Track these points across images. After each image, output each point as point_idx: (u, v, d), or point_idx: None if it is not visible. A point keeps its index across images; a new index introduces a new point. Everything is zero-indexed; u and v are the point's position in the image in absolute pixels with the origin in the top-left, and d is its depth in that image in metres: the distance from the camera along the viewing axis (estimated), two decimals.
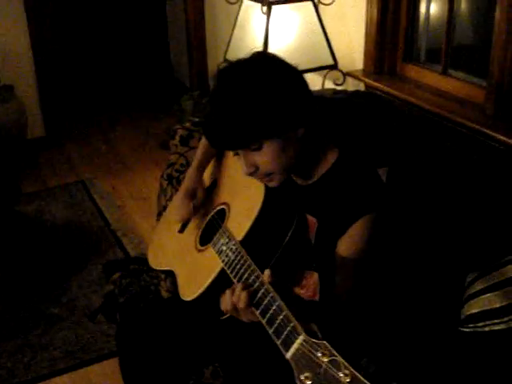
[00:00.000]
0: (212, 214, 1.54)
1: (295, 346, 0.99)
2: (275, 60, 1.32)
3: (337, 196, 1.35)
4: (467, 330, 1.44)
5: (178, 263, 1.54)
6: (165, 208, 1.98)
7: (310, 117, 1.32)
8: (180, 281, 1.49)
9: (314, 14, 2.42)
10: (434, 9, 2.40)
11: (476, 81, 2.19)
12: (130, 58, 5.04)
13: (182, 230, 1.63)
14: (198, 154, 1.65)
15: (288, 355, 0.99)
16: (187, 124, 2.08)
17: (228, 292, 1.22)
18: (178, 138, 2.01)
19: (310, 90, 1.34)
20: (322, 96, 1.94)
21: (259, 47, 2.38)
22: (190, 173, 1.61)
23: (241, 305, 1.16)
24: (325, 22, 2.45)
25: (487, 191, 1.58)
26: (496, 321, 1.39)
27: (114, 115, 4.53)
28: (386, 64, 2.48)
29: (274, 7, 2.34)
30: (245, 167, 1.32)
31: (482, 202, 1.56)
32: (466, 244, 1.53)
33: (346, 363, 0.91)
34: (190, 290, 1.40)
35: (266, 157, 1.29)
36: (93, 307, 2.43)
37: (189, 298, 1.39)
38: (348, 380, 0.89)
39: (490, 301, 1.41)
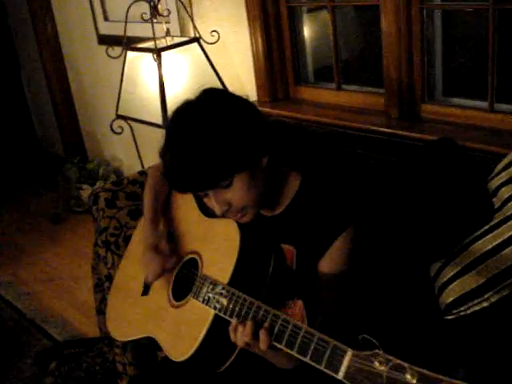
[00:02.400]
0: (180, 266, 1.46)
1: (345, 364, 0.96)
2: (226, 94, 1.33)
3: (310, 219, 1.35)
4: (451, 317, 1.49)
5: (154, 326, 1.44)
6: (108, 277, 1.85)
7: (270, 143, 1.32)
8: (164, 344, 1.39)
9: (202, 54, 2.44)
10: (315, 30, 2.51)
11: (371, 90, 2.31)
12: None
13: (145, 293, 1.53)
14: (147, 209, 1.57)
15: (340, 376, 0.96)
16: (107, 185, 1.98)
17: (240, 327, 1.16)
18: (102, 201, 1.91)
19: (263, 117, 1.34)
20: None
21: (155, 95, 2.35)
22: (146, 231, 1.53)
23: (263, 347, 1.11)
24: (213, 60, 2.47)
25: (420, 183, 1.66)
26: (477, 300, 1.45)
27: None
28: (279, 91, 2.54)
29: (163, 54, 2.32)
30: (217, 207, 1.29)
31: (423, 195, 1.64)
32: (423, 236, 1.59)
33: (408, 364, 0.89)
34: (181, 349, 1.32)
35: (237, 192, 1.27)
36: None
37: (182, 358, 1.31)
38: (416, 379, 0.88)
39: (466, 283, 1.47)
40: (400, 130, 2.05)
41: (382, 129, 2.07)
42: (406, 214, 1.61)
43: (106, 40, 3.16)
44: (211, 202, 1.30)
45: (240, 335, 1.16)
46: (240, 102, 1.30)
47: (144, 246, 1.51)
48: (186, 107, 1.28)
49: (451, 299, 1.48)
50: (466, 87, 2.16)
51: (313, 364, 1.02)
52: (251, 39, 2.47)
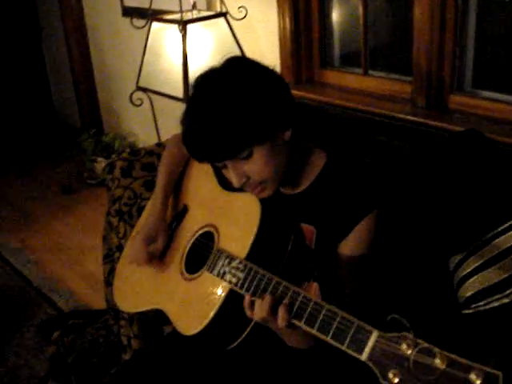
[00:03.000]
0: (195, 238, 1.42)
1: (370, 345, 0.92)
2: (252, 63, 1.28)
3: (334, 200, 1.31)
4: (469, 311, 1.44)
5: (164, 299, 1.41)
6: (119, 247, 1.82)
7: (295, 118, 1.28)
8: (174, 316, 1.35)
9: (228, 29, 2.39)
10: (344, 14, 2.46)
11: (397, 77, 2.25)
12: (9, 106, 4.69)
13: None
14: (159, 185, 1.53)
15: (363, 357, 0.92)
16: (124, 154, 1.94)
17: (258, 301, 1.12)
18: (118, 170, 1.87)
19: (290, 91, 1.30)
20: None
21: (177, 68, 2.31)
22: (154, 209, 1.49)
23: (281, 324, 1.07)
24: (238, 37, 2.42)
25: (446, 174, 1.61)
26: (498, 296, 1.40)
27: (2, 167, 4.18)
28: (304, 73, 2.49)
29: (189, 26, 2.27)
30: (235, 178, 1.25)
31: (447, 186, 1.59)
32: (445, 227, 1.54)
33: (438, 349, 0.85)
34: (191, 323, 1.28)
35: (257, 164, 1.23)
36: (39, 374, 2.17)
37: (192, 332, 1.27)
38: (445, 365, 0.83)
39: (487, 277, 1.42)
40: (427, 119, 1.99)
41: (407, 117, 2.02)
42: (429, 203, 1.56)
43: (131, 12, 3.11)
44: (229, 173, 1.26)
45: (258, 309, 1.12)
46: (266, 71, 1.26)
47: (141, 228, 1.47)
48: (210, 74, 1.25)
49: (470, 293, 1.44)
50: (496, 80, 2.10)
51: (334, 343, 0.97)
52: (279, 18, 2.42)
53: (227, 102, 1.18)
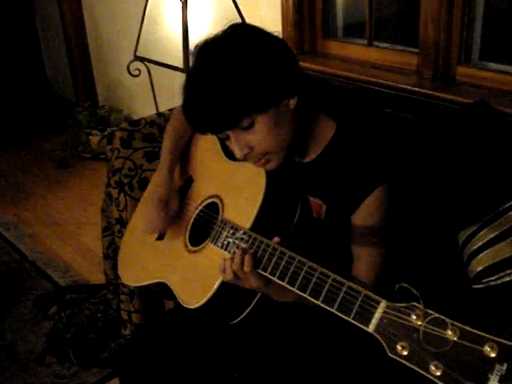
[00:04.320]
0: (199, 210, 1.38)
1: (377, 316, 0.88)
2: (255, 28, 1.22)
3: (343, 171, 1.27)
4: (480, 286, 1.42)
5: (168, 271, 1.37)
6: (119, 220, 1.77)
7: (300, 85, 1.23)
8: (177, 289, 1.32)
9: None
10: None
11: (403, 48, 2.20)
12: (1, 80, 4.58)
13: (160, 237, 1.46)
14: (165, 154, 1.48)
15: (370, 328, 0.88)
16: (124, 124, 1.88)
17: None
18: (117, 141, 1.82)
19: (296, 59, 1.25)
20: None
21: (177, 37, 2.24)
22: (161, 178, 1.45)
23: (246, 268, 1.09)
24: (240, 6, 2.35)
25: (455, 146, 1.57)
26: (510, 271, 1.38)
27: None
28: (306, 43, 2.43)
29: None
30: (238, 150, 1.20)
31: (457, 158, 1.55)
32: (455, 199, 1.51)
33: (449, 319, 0.81)
34: (195, 296, 1.24)
35: (259, 134, 1.18)
36: (36, 349, 2.14)
37: (196, 305, 1.23)
38: (457, 336, 0.80)
39: (499, 252, 1.39)
40: (433, 90, 1.94)
41: (414, 88, 1.97)
42: (439, 175, 1.53)
43: None
44: (232, 145, 1.21)
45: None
46: (268, 37, 1.21)
47: (153, 196, 1.42)
48: (211, 40, 1.19)
49: (481, 268, 1.41)
50: (504, 52, 2.06)
51: (340, 315, 0.94)
52: None
53: (225, 67, 1.13)
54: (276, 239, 1.12)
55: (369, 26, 2.25)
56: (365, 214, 1.26)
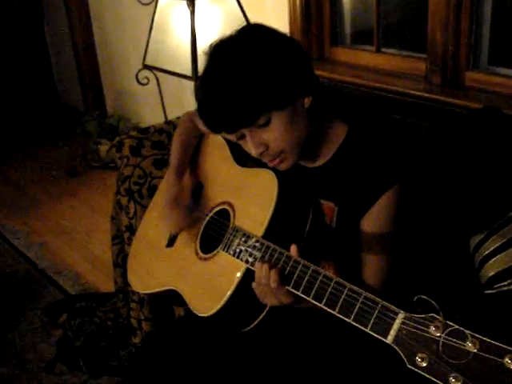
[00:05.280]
0: (210, 217, 1.38)
1: (395, 327, 0.88)
2: (270, 29, 1.23)
3: (355, 173, 1.26)
4: (492, 291, 1.40)
5: (179, 279, 1.37)
6: (129, 227, 1.77)
7: (314, 85, 1.24)
8: (188, 297, 1.31)
9: (237, 6, 2.32)
10: None
11: (411, 54, 2.20)
12: (10, 89, 4.61)
13: (170, 244, 1.46)
14: (174, 159, 1.49)
15: (389, 339, 0.88)
16: (133, 132, 1.89)
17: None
18: (127, 149, 1.82)
19: (308, 57, 1.25)
20: None
21: (186, 45, 2.25)
22: (171, 181, 1.45)
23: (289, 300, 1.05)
24: (248, 14, 2.36)
25: (465, 151, 1.56)
26: None
27: (5, 150, 4.11)
28: (314, 50, 2.43)
29: (197, 2, 2.21)
30: (253, 148, 1.20)
31: (467, 164, 1.54)
32: (466, 205, 1.50)
33: (469, 331, 0.81)
34: (207, 304, 1.24)
35: (275, 132, 1.18)
36: (46, 357, 2.13)
37: (208, 313, 1.23)
38: (477, 348, 0.79)
39: (511, 257, 1.38)
40: (442, 96, 1.94)
41: (423, 94, 1.97)
42: (449, 180, 1.52)
43: None
44: (247, 144, 1.21)
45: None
46: (283, 37, 1.22)
47: (164, 198, 1.43)
48: (226, 39, 1.20)
49: (493, 273, 1.40)
50: None
51: (357, 325, 0.93)
52: None
53: (243, 65, 1.14)
54: (294, 249, 1.12)
55: (376, 32, 2.25)
56: (374, 216, 1.25)
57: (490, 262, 1.41)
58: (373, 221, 1.26)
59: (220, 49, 1.19)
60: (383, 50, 2.27)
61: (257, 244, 1.18)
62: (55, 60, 4.60)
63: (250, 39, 1.19)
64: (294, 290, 1.10)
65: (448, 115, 1.84)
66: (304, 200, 1.26)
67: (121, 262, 1.96)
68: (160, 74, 2.54)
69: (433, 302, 0.83)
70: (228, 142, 1.45)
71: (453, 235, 1.51)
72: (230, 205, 1.33)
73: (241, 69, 1.14)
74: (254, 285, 1.18)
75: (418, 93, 1.98)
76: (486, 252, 1.43)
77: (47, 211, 3.30)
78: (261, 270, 1.14)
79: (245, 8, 2.35)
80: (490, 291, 1.41)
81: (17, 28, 4.39)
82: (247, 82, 1.13)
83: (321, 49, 2.43)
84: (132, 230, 1.76)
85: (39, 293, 2.54)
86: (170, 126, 1.89)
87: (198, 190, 1.47)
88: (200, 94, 1.21)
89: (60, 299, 2.46)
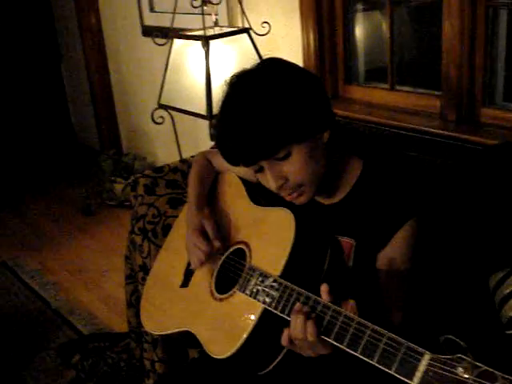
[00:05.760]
0: (225, 257, 1.36)
1: (421, 368, 0.85)
2: (289, 63, 1.25)
3: (372, 208, 1.25)
4: None
5: (194, 320, 1.34)
6: (143, 267, 1.76)
7: (332, 120, 1.25)
8: (204, 339, 1.29)
9: (251, 45, 2.35)
10: (367, 30, 2.42)
11: (425, 91, 2.20)
12: (28, 128, 4.67)
13: (185, 284, 1.44)
14: (192, 194, 1.49)
15: (415, 381, 0.85)
16: (147, 171, 1.89)
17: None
18: (141, 187, 1.82)
19: (325, 91, 1.26)
20: None
21: (200, 85, 2.27)
22: (192, 213, 1.44)
23: (310, 337, 1.00)
24: (261, 53, 2.38)
25: (483, 187, 1.54)
26: None
27: (21, 189, 4.15)
28: (329, 89, 2.44)
29: (211, 42, 2.24)
30: (272, 181, 1.20)
31: (486, 200, 1.52)
32: (484, 243, 1.47)
33: (499, 373, 0.78)
34: (223, 346, 1.21)
35: (295, 165, 1.18)
36: None
37: (224, 355, 1.20)
38: None
39: None
40: (458, 133, 1.94)
41: (438, 131, 1.96)
42: (467, 217, 1.49)
43: (151, 31, 3.09)
44: (265, 177, 1.21)
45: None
46: (303, 71, 1.24)
47: (189, 228, 1.42)
48: (245, 72, 1.22)
49: None
50: None
51: (381, 367, 0.90)
52: (303, 34, 2.38)
53: (266, 96, 1.15)
54: (325, 289, 1.08)
55: (390, 70, 2.26)
56: (391, 251, 1.24)
57: (510, 301, 1.37)
58: (389, 255, 1.24)
59: (242, 80, 1.20)
60: (397, 87, 2.28)
61: (274, 284, 1.16)
62: (72, 99, 4.68)
63: (272, 71, 1.20)
64: (334, 342, 1.02)
65: (464, 152, 1.83)
66: (322, 237, 1.24)
67: (134, 301, 1.94)
68: (175, 114, 2.56)
69: (461, 342, 0.81)
70: (243, 181, 1.44)
71: (472, 272, 1.47)
72: (246, 244, 1.31)
73: (263, 100, 1.14)
74: (284, 342, 1.11)
75: (433, 130, 1.98)
76: (507, 291, 1.39)
77: (62, 250, 3.30)
78: (295, 321, 1.07)
79: (258, 47, 2.38)
80: (511, 331, 1.37)
81: (34, 68, 4.49)
82: (270, 114, 1.13)
83: (335, 87, 2.45)
84: (146, 269, 1.75)
85: (52, 332, 2.52)
86: (185, 164, 1.89)
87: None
88: (220, 124, 1.22)
89: (73, 339, 2.43)
